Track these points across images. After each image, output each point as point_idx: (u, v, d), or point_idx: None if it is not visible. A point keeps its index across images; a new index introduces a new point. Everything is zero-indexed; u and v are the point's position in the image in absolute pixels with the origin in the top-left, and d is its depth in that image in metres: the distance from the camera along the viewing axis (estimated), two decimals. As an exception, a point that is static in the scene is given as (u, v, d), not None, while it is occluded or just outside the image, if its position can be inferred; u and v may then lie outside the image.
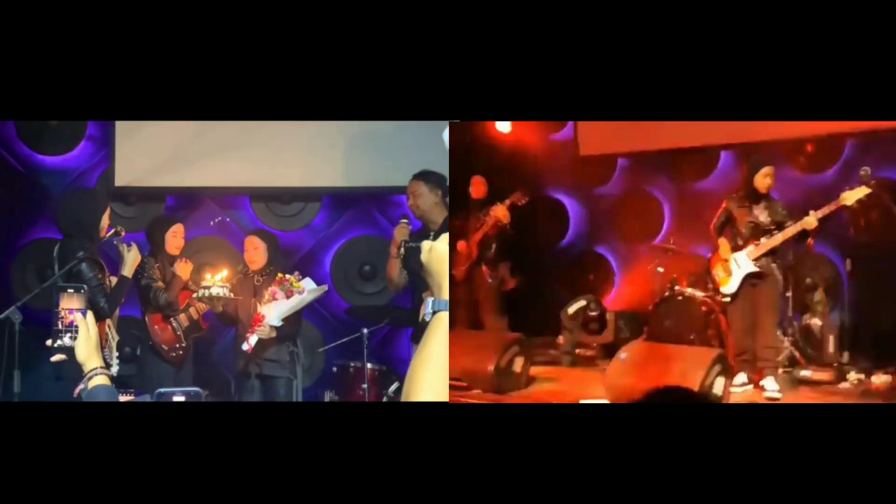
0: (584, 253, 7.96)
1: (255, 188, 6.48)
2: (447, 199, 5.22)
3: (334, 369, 5.70)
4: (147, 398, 4.56)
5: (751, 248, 5.21)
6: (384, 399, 5.52)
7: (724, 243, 5.32)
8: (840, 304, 6.28)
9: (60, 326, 2.30)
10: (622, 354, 4.77)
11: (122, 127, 6.24)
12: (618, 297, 7.54)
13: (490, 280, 6.28)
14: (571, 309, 6.70)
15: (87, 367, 2.31)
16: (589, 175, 7.78)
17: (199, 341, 5.64)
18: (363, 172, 6.42)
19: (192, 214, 6.52)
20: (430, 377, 1.59)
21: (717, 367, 4.49)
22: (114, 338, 4.61)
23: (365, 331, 5.49)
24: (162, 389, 4.40)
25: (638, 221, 7.56)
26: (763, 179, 5.21)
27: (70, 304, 2.31)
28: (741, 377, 5.31)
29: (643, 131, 6.76)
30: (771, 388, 5.14)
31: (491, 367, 4.93)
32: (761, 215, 5.23)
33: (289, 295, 5.19)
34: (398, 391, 5.45)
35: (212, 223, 6.15)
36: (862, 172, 5.06)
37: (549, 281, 7.80)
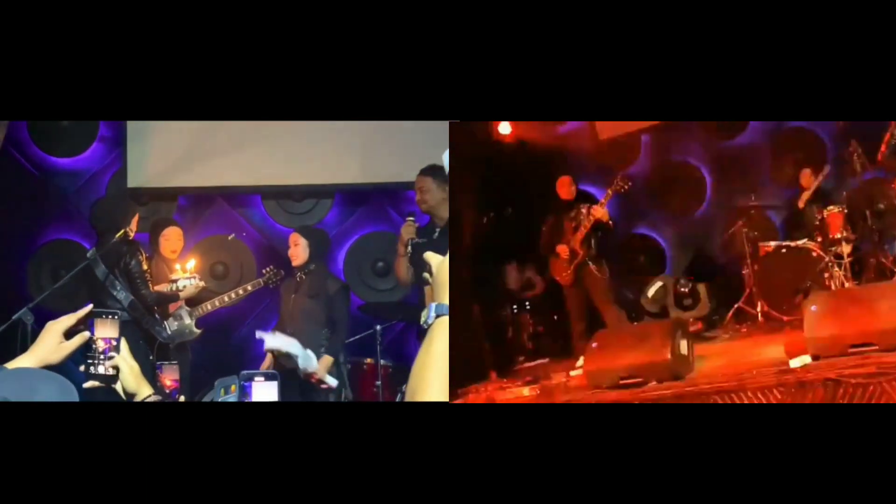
0: (627, 237, 7.64)
1: (267, 186, 6.48)
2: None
3: (348, 366, 5.68)
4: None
5: None
6: (398, 396, 5.50)
7: None
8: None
9: (95, 353, 2.22)
10: (811, 307, 4.37)
11: (133, 128, 6.27)
12: (674, 272, 7.28)
13: (600, 275, 6.01)
14: (651, 291, 6.60)
15: (139, 397, 2.26)
16: (614, 158, 7.42)
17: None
18: (375, 168, 6.40)
19: (204, 214, 6.54)
20: (434, 380, 1.62)
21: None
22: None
23: (378, 328, 5.47)
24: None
25: (678, 194, 7.47)
26: None
27: (104, 332, 2.22)
28: None
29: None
30: None
31: (668, 355, 4.70)
32: None
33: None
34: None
35: (229, 237, 6.11)
36: None
37: (613, 269, 7.64)
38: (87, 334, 2.19)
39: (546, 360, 6.48)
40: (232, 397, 2.56)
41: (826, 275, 5.86)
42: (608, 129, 7.31)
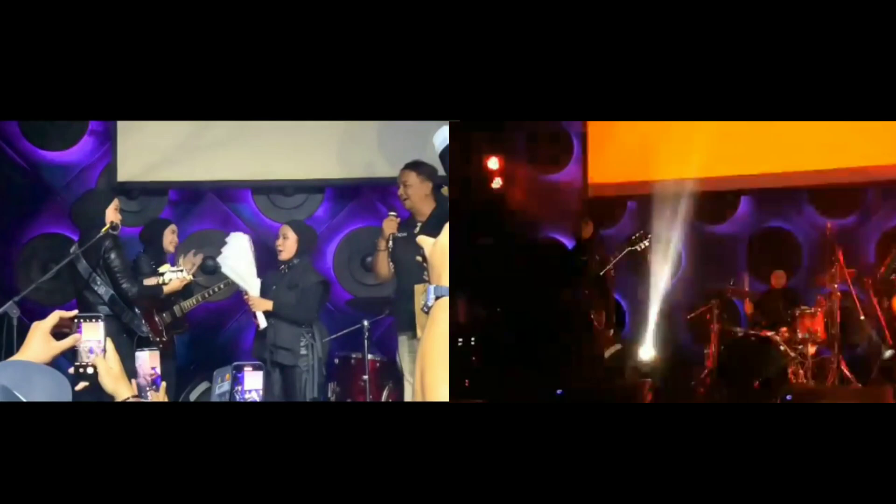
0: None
1: (257, 181, 6.49)
2: (440, 190, 5.16)
3: (336, 361, 5.69)
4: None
5: None
6: (385, 390, 5.53)
7: None
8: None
9: (82, 355, 2.28)
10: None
11: (123, 122, 6.27)
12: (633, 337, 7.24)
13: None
14: (607, 353, 6.75)
15: (118, 398, 2.30)
16: (596, 215, 7.33)
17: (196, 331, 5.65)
18: (365, 163, 6.41)
19: (194, 208, 6.54)
20: (440, 360, 1.67)
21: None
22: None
23: (366, 322, 5.49)
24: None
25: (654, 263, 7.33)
26: None
27: (90, 335, 2.29)
28: None
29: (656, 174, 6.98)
30: None
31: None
32: None
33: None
34: (399, 383, 5.46)
35: None
36: None
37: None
38: (78, 336, 2.26)
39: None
40: (226, 385, 2.62)
41: (790, 370, 6.02)
42: (598, 187, 7.43)
